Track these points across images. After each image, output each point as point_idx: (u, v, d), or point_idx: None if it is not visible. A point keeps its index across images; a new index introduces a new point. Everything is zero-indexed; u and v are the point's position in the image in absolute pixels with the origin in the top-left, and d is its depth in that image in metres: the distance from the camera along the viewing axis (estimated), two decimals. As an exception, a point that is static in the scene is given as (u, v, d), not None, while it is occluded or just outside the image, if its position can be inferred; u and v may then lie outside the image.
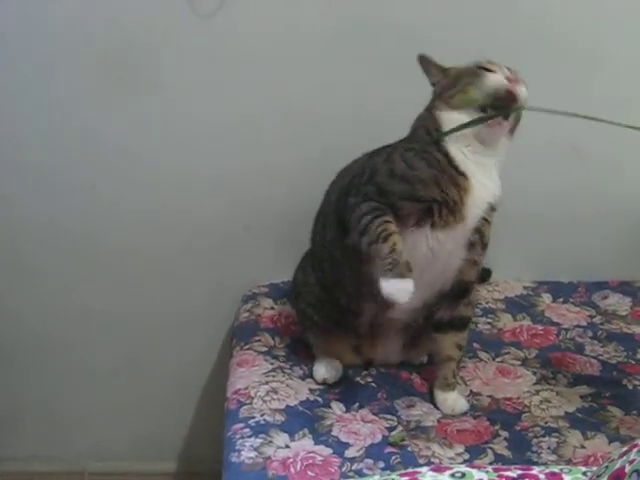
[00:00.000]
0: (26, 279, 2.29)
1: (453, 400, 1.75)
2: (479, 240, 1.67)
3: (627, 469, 0.97)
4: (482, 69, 1.62)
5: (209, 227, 2.23)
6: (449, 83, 1.66)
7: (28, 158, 2.17)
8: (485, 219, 1.66)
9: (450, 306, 1.74)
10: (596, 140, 2.02)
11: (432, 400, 1.76)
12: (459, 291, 1.73)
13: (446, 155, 1.61)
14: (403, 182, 1.61)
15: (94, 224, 2.23)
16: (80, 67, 2.11)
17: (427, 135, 1.65)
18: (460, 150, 1.62)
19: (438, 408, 1.74)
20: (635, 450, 0.99)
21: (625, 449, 1.03)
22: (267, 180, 2.18)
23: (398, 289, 1.53)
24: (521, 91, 1.60)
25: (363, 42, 2.08)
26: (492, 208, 1.67)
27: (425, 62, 1.69)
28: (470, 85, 1.61)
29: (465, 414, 1.72)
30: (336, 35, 2.08)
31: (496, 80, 1.60)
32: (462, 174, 1.61)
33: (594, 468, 1.19)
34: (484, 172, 1.64)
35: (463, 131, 1.55)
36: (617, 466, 1.00)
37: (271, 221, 2.21)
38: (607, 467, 1.03)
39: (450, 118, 1.61)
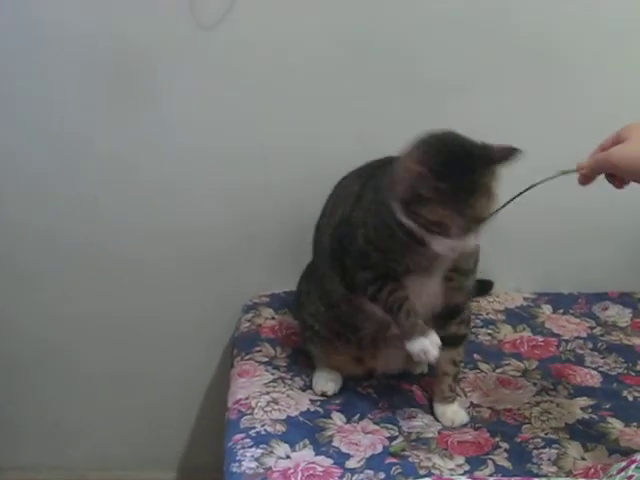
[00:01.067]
0: (26, 288, 2.29)
1: (452, 413, 1.75)
2: (457, 272, 1.66)
3: None
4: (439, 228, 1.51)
5: (210, 237, 2.23)
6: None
7: (26, 166, 2.18)
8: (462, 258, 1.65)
9: (443, 325, 1.72)
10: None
11: (432, 412, 1.77)
12: (449, 312, 1.73)
13: (403, 228, 1.57)
14: (377, 251, 1.62)
15: (94, 233, 2.23)
16: (80, 78, 2.11)
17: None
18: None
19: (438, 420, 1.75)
20: (633, 466, 0.99)
21: (623, 464, 1.03)
22: (268, 190, 2.18)
23: (425, 347, 1.57)
24: (466, 248, 1.55)
25: (365, 58, 2.09)
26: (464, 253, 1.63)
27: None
28: None
29: (465, 426, 1.73)
30: (339, 50, 2.08)
31: (442, 247, 1.53)
32: (422, 243, 1.57)
33: (595, 480, 1.20)
34: None
35: None
36: None
37: (272, 231, 2.21)
38: None
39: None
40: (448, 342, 1.72)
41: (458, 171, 1.48)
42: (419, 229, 1.53)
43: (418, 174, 1.46)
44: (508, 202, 1.53)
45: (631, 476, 0.98)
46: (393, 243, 1.59)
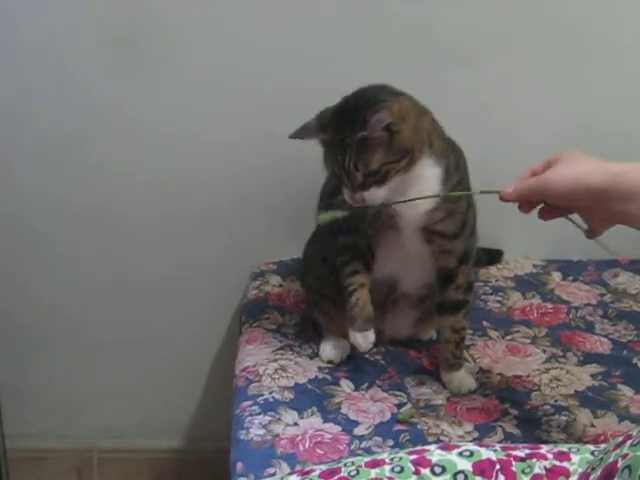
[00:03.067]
0: (34, 255, 2.29)
1: (459, 380, 1.74)
2: (438, 235, 1.65)
3: (620, 464, 0.95)
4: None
5: (218, 205, 2.22)
6: None
7: (33, 131, 2.17)
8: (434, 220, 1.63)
9: (440, 291, 1.73)
10: (605, 120, 2.02)
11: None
12: (443, 277, 1.71)
13: None
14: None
15: (100, 197, 2.22)
16: (90, 44, 2.10)
17: None
18: None
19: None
20: (629, 443, 0.98)
21: (620, 440, 1.01)
22: (277, 159, 2.16)
23: (359, 341, 1.68)
24: (366, 200, 1.52)
25: (371, 25, 2.07)
26: (436, 210, 1.62)
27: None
28: None
29: (474, 392, 1.72)
30: (348, 10, 2.06)
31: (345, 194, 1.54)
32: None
33: (602, 446, 1.19)
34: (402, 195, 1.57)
35: None
36: (610, 460, 0.98)
37: (280, 199, 2.20)
38: (602, 459, 1.02)
39: None
40: (446, 308, 1.73)
41: (333, 127, 1.55)
42: None
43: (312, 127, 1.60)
44: (429, 197, 1.57)
45: (626, 454, 0.96)
46: None
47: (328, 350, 1.82)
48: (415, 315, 1.83)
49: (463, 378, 1.74)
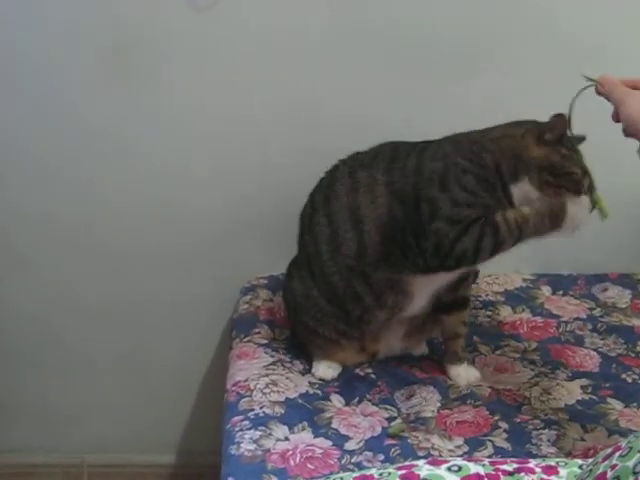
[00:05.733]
0: (24, 272, 2.28)
1: (465, 372, 1.80)
2: None
3: (609, 475, 0.96)
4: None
5: (208, 219, 2.22)
6: (554, 166, 1.65)
7: (27, 150, 2.17)
8: None
9: (454, 290, 1.78)
10: (595, 134, 2.02)
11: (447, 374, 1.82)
12: (460, 278, 1.77)
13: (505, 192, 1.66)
14: (470, 208, 1.64)
15: (92, 217, 2.23)
16: (79, 60, 2.10)
17: (496, 174, 1.66)
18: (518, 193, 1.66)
19: (449, 386, 1.78)
20: (617, 454, 0.98)
21: (609, 451, 1.02)
22: (266, 172, 2.18)
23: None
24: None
25: (366, 38, 2.07)
26: None
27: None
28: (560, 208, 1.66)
29: (465, 402, 1.72)
30: (338, 30, 2.06)
31: (579, 217, 1.68)
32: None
33: (590, 460, 1.19)
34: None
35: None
36: (600, 471, 0.99)
37: (270, 213, 2.20)
38: (591, 471, 1.02)
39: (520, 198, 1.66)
40: (458, 305, 1.80)
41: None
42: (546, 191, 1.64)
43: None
44: None
45: (615, 465, 0.97)
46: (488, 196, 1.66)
47: (321, 369, 1.82)
48: (403, 331, 1.85)
49: (468, 369, 1.81)
